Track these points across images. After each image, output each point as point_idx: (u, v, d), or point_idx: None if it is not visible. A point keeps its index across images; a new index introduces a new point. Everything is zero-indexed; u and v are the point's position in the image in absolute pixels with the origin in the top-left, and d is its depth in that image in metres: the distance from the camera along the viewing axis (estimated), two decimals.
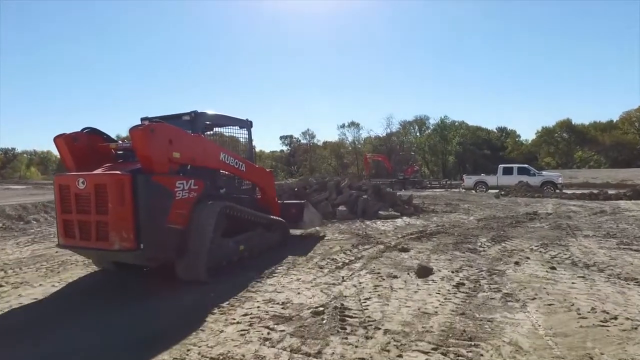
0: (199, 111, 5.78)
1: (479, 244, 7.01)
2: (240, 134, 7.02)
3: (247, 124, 7.02)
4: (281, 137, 73.18)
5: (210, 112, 6.13)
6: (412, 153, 41.25)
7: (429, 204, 14.64)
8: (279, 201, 7.77)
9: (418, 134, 67.80)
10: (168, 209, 4.65)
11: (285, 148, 73.95)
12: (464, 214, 11.78)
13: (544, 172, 26.63)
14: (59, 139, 5.07)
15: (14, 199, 19.94)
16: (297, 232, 8.17)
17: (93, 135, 5.39)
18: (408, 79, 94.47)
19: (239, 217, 5.79)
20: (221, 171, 6.05)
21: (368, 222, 10.08)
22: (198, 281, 4.80)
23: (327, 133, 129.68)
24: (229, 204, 5.49)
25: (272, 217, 6.84)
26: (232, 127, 6.84)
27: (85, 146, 5.19)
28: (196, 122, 5.73)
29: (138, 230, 4.33)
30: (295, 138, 71.76)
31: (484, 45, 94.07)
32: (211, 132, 6.69)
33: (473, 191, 24.27)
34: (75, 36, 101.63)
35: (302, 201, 8.44)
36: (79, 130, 5.29)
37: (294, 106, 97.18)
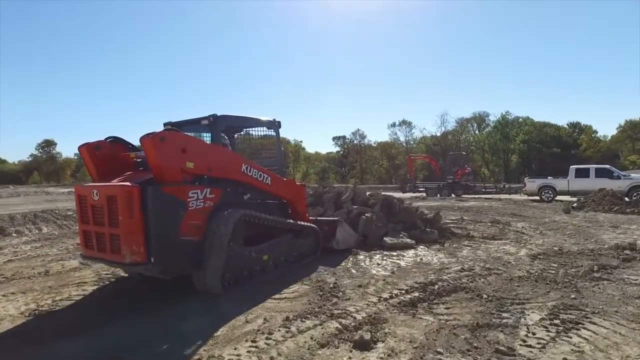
0: (218, 114, 5.42)
1: (524, 330, 3.55)
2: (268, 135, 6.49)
3: (274, 125, 6.43)
4: (334, 138, 70.52)
5: (231, 114, 5.70)
6: (464, 152, 35.99)
7: (469, 221, 10.94)
8: (310, 217, 7.05)
9: (477, 132, 61.85)
10: (180, 220, 4.44)
11: (338, 149, 71.13)
12: (513, 241, 8.04)
13: (632, 174, 21.01)
14: (82, 148, 5.02)
15: (21, 207, 19.08)
16: None
17: (116, 144, 5.35)
18: (463, 75, 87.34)
19: (263, 225, 5.50)
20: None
21: (361, 256, 6.83)
22: (212, 294, 4.60)
23: (378, 133, 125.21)
24: (248, 212, 5.15)
25: (301, 223, 6.33)
26: (259, 129, 6.39)
27: (107, 155, 5.14)
28: (215, 126, 5.47)
29: (148, 243, 4.18)
30: (348, 139, 68.69)
31: (550, 38, 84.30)
32: (241, 134, 6.46)
33: (537, 197, 19.64)
34: (112, 40, 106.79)
35: (336, 219, 7.50)
36: (103, 139, 5.27)
37: (348, 106, 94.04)
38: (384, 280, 5.36)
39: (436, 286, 4.94)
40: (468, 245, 7.66)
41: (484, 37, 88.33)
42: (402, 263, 6.35)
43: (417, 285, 5.00)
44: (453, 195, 25.80)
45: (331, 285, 5.11)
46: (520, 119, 56.71)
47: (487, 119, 60.00)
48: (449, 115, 68.00)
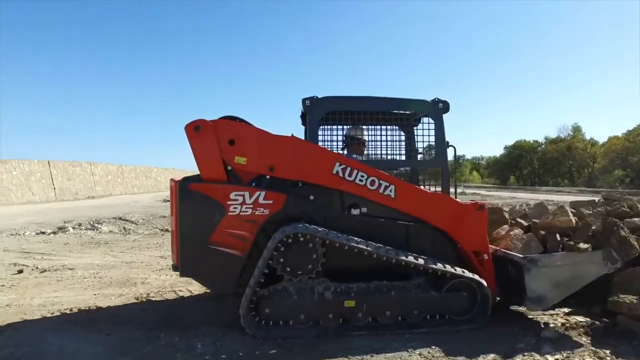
0: (317, 97, 4.24)
1: None
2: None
3: (434, 109, 4.37)
4: None
5: (341, 95, 4.34)
6: None
7: None
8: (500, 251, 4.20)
9: None
10: (212, 225, 3.70)
11: None
12: None
13: None
14: None
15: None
16: None
17: None
18: None
19: (366, 256, 3.70)
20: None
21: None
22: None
23: None
24: (306, 231, 3.61)
25: (439, 265, 3.77)
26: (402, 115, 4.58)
27: None
28: (312, 112, 4.26)
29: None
30: None
31: None
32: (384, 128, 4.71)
33: None
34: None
35: (525, 256, 3.86)
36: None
37: None
38: None
39: None
40: None
41: None
42: None
43: None
44: None
45: None
46: None
47: None
48: None
